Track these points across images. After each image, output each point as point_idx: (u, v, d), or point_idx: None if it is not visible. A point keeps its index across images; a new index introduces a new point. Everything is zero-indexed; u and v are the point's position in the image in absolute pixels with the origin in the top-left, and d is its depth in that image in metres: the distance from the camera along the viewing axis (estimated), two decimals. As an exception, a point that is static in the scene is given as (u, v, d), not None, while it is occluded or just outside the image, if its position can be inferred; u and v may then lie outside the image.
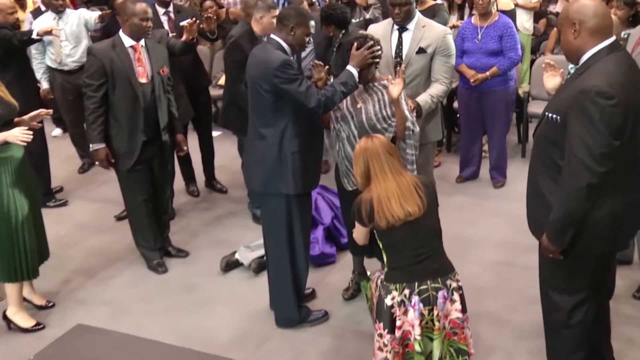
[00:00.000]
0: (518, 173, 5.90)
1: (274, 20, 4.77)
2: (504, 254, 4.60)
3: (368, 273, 4.17)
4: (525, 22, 7.55)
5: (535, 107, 6.27)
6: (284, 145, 3.50)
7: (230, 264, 4.59)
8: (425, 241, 3.03)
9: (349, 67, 3.49)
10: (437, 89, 4.08)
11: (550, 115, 2.83)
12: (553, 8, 9.03)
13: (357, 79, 3.49)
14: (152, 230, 4.62)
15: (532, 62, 7.11)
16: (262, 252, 4.51)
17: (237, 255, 4.61)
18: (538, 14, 8.23)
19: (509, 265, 4.45)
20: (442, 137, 4.91)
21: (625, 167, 2.73)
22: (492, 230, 4.94)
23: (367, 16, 5.83)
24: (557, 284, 3.01)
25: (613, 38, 2.70)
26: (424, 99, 4.00)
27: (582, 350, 3.07)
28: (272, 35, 3.55)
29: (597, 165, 2.61)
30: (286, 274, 3.74)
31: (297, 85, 3.36)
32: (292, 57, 3.52)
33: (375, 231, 3.13)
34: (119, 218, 5.44)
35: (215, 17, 5.89)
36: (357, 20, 5.81)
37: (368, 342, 3.42)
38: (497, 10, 5.63)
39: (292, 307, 3.83)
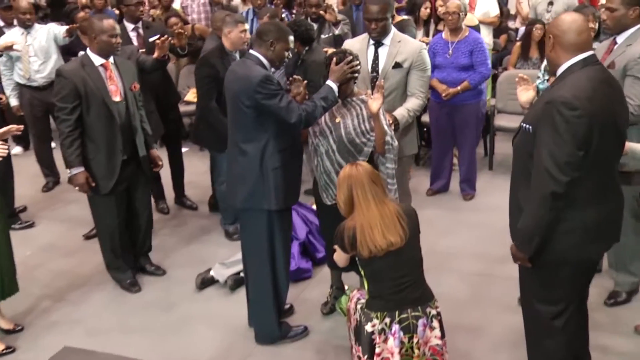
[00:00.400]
0: (486, 185, 6.01)
1: (242, 35, 4.81)
2: (480, 265, 4.66)
3: (346, 287, 4.20)
4: (485, 36, 7.68)
5: (502, 121, 6.40)
6: (265, 161, 3.49)
7: (206, 281, 4.53)
8: (407, 271, 3.06)
9: (329, 82, 3.51)
10: (413, 103, 4.12)
11: (524, 126, 2.91)
12: (512, 24, 9.25)
13: (337, 94, 3.51)
14: (125, 253, 4.53)
15: (494, 76, 7.26)
16: (238, 268, 4.50)
17: (212, 272, 4.55)
18: (499, 30, 8.42)
19: (485, 276, 4.50)
20: (418, 151, 4.95)
21: (598, 178, 2.79)
22: (465, 242, 5.00)
23: (337, 32, 5.88)
24: (537, 292, 3.05)
25: (589, 53, 2.77)
26: (400, 113, 4.04)
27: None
28: (251, 51, 3.55)
29: (562, 174, 2.68)
30: (267, 290, 3.71)
31: (278, 101, 3.36)
32: (272, 73, 3.52)
33: (357, 259, 3.15)
34: (87, 237, 5.34)
35: (185, 33, 5.90)
36: (327, 36, 5.86)
37: (349, 356, 3.41)
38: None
39: (273, 324, 3.80)
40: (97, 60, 4.19)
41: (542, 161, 2.72)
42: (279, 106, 3.36)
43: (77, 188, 4.25)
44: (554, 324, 3.04)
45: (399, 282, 3.04)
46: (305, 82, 3.73)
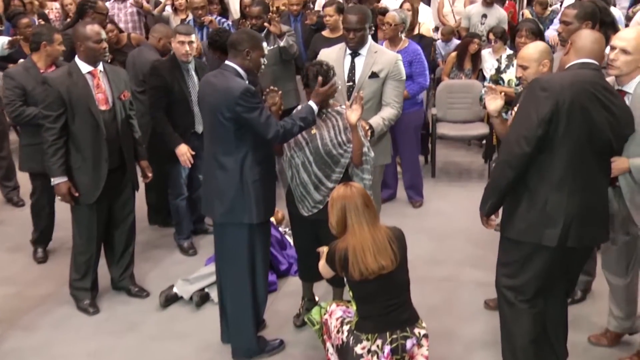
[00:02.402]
0: (431, 192, 6.18)
1: (179, 46, 4.71)
2: (444, 270, 4.78)
3: (316, 298, 4.20)
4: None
5: (442, 129, 6.61)
6: (245, 174, 3.45)
7: (170, 299, 4.41)
8: (396, 293, 3.13)
9: (311, 103, 3.54)
10: (388, 113, 4.18)
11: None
12: (435, 35, 9.56)
13: (316, 115, 3.55)
14: (95, 271, 4.36)
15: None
16: (202, 284, 4.43)
17: (175, 289, 4.44)
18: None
19: (451, 281, 4.62)
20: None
21: (567, 168, 2.98)
22: (423, 249, 5.10)
23: (282, 44, 5.86)
24: (503, 271, 3.29)
25: (591, 60, 3.02)
26: (376, 121, 4.09)
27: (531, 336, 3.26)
28: (227, 62, 3.50)
29: (517, 146, 2.95)
30: (246, 304, 3.66)
31: (258, 115, 3.34)
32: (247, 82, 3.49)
33: (347, 281, 3.18)
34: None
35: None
36: (272, 47, 5.83)
37: (328, 368, 3.43)
38: (417, 35, 5.89)
39: (251, 338, 3.74)
40: (85, 67, 4.05)
41: (509, 133, 3.07)
42: (259, 120, 3.34)
43: (59, 198, 4.08)
44: (519, 307, 3.22)
45: (388, 304, 3.11)
46: (281, 92, 3.73)
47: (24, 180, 5.03)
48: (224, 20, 6.64)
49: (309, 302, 4.17)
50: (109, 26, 6.51)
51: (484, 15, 7.89)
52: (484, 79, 7.15)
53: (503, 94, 3.68)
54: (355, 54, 4.22)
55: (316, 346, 3.86)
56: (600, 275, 3.99)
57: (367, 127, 3.93)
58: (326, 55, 4.23)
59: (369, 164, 3.71)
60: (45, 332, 4.15)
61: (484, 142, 7.22)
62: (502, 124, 3.78)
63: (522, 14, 7.79)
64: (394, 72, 4.20)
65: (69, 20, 8.35)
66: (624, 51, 3.21)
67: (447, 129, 6.61)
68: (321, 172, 3.65)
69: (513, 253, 3.19)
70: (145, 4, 8.15)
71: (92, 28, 4.05)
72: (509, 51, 7.06)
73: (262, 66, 3.57)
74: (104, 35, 4.10)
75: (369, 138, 3.81)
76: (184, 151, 4.71)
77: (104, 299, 4.49)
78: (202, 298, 4.38)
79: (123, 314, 4.33)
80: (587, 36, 3.07)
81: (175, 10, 7.84)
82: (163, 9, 8.05)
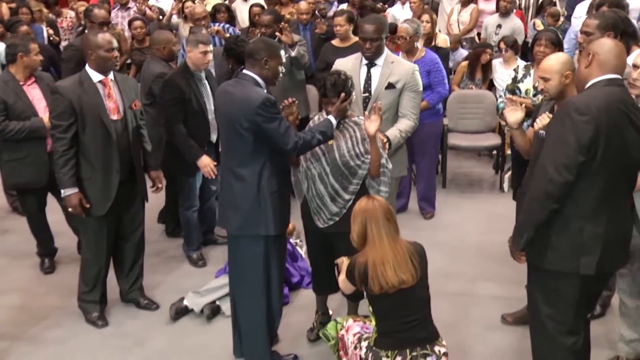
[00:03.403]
0: (442, 203, 6.09)
1: (202, 56, 4.66)
2: (457, 285, 4.68)
3: (330, 312, 4.12)
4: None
5: (454, 139, 6.53)
6: (262, 185, 3.37)
7: (180, 311, 4.32)
8: (416, 309, 3.06)
9: (331, 118, 3.49)
10: (405, 124, 4.11)
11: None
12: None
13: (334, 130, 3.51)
14: (104, 283, 4.28)
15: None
16: (213, 296, 4.36)
17: (186, 302, 4.35)
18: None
19: (465, 295, 4.53)
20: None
21: (603, 195, 2.86)
22: (436, 262, 4.88)
23: (293, 54, 5.79)
24: (543, 306, 3.09)
25: (616, 75, 2.88)
26: (393, 133, 4.01)
27: None
28: (245, 71, 3.43)
29: (557, 174, 2.77)
30: (260, 318, 3.57)
31: (277, 125, 3.27)
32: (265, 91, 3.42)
33: (366, 295, 3.11)
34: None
35: None
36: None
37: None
38: (433, 46, 5.83)
39: (265, 354, 3.65)
40: (96, 76, 3.97)
41: (543, 160, 2.85)
42: (278, 131, 3.27)
43: (70, 210, 3.99)
44: (564, 342, 3.07)
45: (408, 320, 3.04)
46: (297, 102, 3.67)
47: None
48: (231, 28, 6.57)
49: (323, 315, 4.09)
50: (137, 22, 6.54)
51: (499, 26, 7.88)
52: (494, 88, 7.11)
53: (524, 105, 3.60)
54: (371, 64, 4.16)
55: (331, 362, 3.79)
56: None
57: (384, 140, 3.86)
58: (342, 65, 4.15)
59: (386, 175, 3.64)
60: (52, 346, 4.07)
61: (494, 152, 7.16)
62: (522, 136, 3.70)
63: (534, 24, 7.74)
64: (410, 83, 4.13)
65: (80, 28, 8.33)
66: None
67: (458, 140, 6.54)
68: (338, 184, 3.57)
69: (549, 282, 3.04)
70: (148, 11, 8.12)
71: (103, 37, 3.98)
72: (520, 61, 7.04)
73: (280, 75, 3.51)
74: (115, 44, 4.03)
75: (386, 151, 3.74)
76: (206, 162, 4.65)
77: (113, 311, 4.41)
78: (213, 311, 4.29)
79: (132, 328, 4.24)
80: (610, 49, 2.91)
81: (185, 17, 7.79)
82: (170, 18, 8.01)
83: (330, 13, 8.26)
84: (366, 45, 4.05)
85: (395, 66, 4.13)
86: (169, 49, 5.28)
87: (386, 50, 4.18)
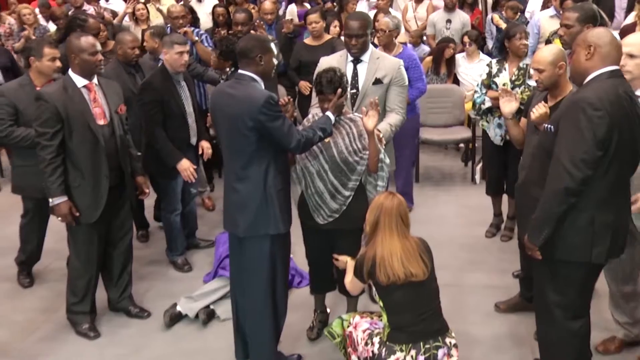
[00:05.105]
0: (418, 197, 6.16)
1: (178, 57, 4.60)
2: (446, 276, 4.66)
3: (328, 310, 4.13)
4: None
5: (427, 134, 6.62)
6: (268, 184, 3.35)
7: (174, 318, 4.25)
8: (428, 302, 3.11)
9: (329, 114, 3.50)
10: (394, 119, 4.14)
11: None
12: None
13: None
14: (94, 293, 4.17)
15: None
16: (207, 301, 4.32)
17: (179, 308, 4.28)
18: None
19: (456, 286, 4.59)
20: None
21: (612, 185, 2.94)
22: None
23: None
24: (550, 293, 3.16)
25: (617, 67, 2.95)
26: (384, 127, 4.02)
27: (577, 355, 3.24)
28: (240, 71, 3.39)
29: (576, 170, 2.82)
30: (267, 320, 3.54)
31: (281, 124, 3.25)
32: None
33: (376, 290, 3.15)
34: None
35: None
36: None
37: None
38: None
39: (271, 355, 3.62)
40: (80, 81, 3.85)
41: (559, 157, 2.87)
42: (282, 130, 3.26)
43: (59, 219, 3.86)
44: (571, 327, 3.15)
45: (419, 313, 3.08)
46: (291, 99, 3.67)
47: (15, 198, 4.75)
48: (202, 32, 6.47)
49: (322, 314, 4.10)
50: (102, 26, 6.33)
51: (449, 21, 7.98)
52: (458, 82, 7.25)
53: (519, 96, 3.69)
54: (357, 60, 4.17)
55: (335, 359, 3.78)
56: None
57: (380, 135, 3.89)
58: (327, 63, 4.13)
59: (384, 170, 3.67)
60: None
61: (461, 145, 7.30)
62: (515, 127, 3.79)
63: (492, 18, 7.90)
64: (397, 78, 4.17)
65: (26, 32, 8.05)
66: (631, 55, 3.24)
67: (430, 134, 6.64)
68: (337, 181, 3.58)
69: (559, 271, 3.10)
70: (106, 15, 7.94)
71: (86, 40, 3.87)
72: (483, 55, 7.20)
73: (275, 67, 3.49)
74: (99, 47, 3.93)
75: (383, 145, 3.77)
76: (186, 166, 4.59)
77: (103, 321, 4.30)
78: (208, 315, 4.24)
79: (126, 337, 4.15)
80: (611, 41, 2.94)
81: (136, 20, 7.65)
82: (122, 19, 7.85)
83: (280, 12, 8.24)
84: (352, 42, 4.06)
85: (381, 62, 4.16)
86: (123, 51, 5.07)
87: (371, 47, 4.21)
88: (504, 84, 4.79)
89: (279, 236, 3.46)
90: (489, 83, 4.98)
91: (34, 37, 7.64)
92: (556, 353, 3.23)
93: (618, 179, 2.96)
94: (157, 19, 7.83)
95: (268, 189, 3.35)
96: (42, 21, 8.62)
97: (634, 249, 3.50)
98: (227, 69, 5.41)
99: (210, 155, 4.99)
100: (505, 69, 4.92)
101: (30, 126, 4.07)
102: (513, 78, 4.84)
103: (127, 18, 7.82)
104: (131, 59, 5.04)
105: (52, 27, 8.13)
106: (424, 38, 8.33)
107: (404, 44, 6.83)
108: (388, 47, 5.47)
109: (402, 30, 7.44)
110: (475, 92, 5.13)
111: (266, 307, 3.53)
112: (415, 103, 5.74)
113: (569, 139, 2.85)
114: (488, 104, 4.96)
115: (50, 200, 3.83)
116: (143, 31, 6.67)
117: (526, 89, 4.71)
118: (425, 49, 7.88)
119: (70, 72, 3.89)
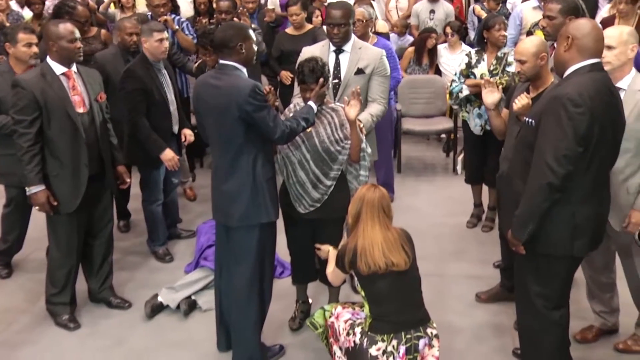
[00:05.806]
0: (400, 188, 6.18)
1: (159, 44, 4.56)
2: (428, 266, 4.67)
3: (310, 300, 4.14)
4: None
5: (408, 124, 6.63)
6: (257, 173, 3.35)
7: (155, 308, 4.23)
8: (409, 293, 3.12)
9: (311, 104, 3.49)
10: (376, 109, 4.13)
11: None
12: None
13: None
14: (74, 284, 4.13)
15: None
16: (189, 292, 4.31)
17: (160, 298, 4.26)
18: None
19: (438, 276, 4.61)
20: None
21: (593, 179, 2.96)
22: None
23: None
24: (532, 285, 3.18)
25: (597, 60, 2.94)
26: (365, 117, 4.02)
27: (560, 356, 3.28)
28: (222, 62, 3.36)
29: (559, 166, 2.83)
30: (252, 310, 3.53)
31: (267, 114, 3.24)
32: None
33: (358, 280, 3.15)
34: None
35: None
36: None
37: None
38: (374, 33, 5.86)
39: (255, 345, 3.61)
40: (58, 68, 3.79)
41: (542, 153, 2.88)
42: (268, 120, 3.24)
43: (37, 208, 3.82)
44: (552, 317, 3.18)
45: (401, 304, 3.08)
46: (272, 89, 3.65)
47: None
48: (183, 20, 6.41)
49: (304, 304, 4.10)
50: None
51: (432, 11, 7.99)
52: (440, 73, 7.26)
53: (501, 87, 3.71)
54: (339, 50, 4.15)
55: (317, 349, 3.80)
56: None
57: (361, 124, 3.88)
58: (310, 52, 4.11)
59: (366, 160, 3.68)
60: (29, 349, 3.91)
61: (443, 135, 7.32)
62: (497, 117, 3.80)
63: (474, 10, 7.91)
64: (379, 67, 4.16)
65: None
66: (609, 47, 3.25)
67: (412, 124, 6.65)
68: (319, 170, 3.58)
69: (541, 264, 3.12)
70: (90, 2, 7.82)
71: (65, 27, 3.81)
72: (465, 46, 7.21)
73: (256, 54, 3.46)
74: (77, 34, 3.87)
75: (364, 135, 3.76)
76: (170, 156, 4.56)
77: (83, 312, 4.27)
78: (189, 306, 4.23)
79: (107, 328, 4.12)
80: (589, 32, 2.91)
81: (122, 7, 7.55)
82: (108, 6, 7.75)
83: (262, 1, 8.18)
84: (334, 31, 4.04)
85: (363, 51, 4.15)
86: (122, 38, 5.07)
87: (353, 37, 4.19)
88: (482, 75, 4.81)
89: (268, 224, 3.46)
90: (467, 73, 4.99)
91: (7, 24, 7.51)
92: (537, 342, 3.26)
93: (599, 173, 2.98)
94: (142, 7, 7.74)
95: (258, 178, 3.35)
96: (14, 6, 8.47)
97: (609, 240, 3.54)
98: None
99: (192, 141, 4.98)
100: (483, 60, 4.94)
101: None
102: (491, 68, 4.85)
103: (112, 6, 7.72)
104: (129, 46, 4.99)
105: (27, 13, 7.99)
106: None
107: (387, 34, 6.84)
108: (363, 37, 5.44)
109: (381, 21, 7.45)
110: (453, 81, 5.13)
111: (253, 299, 3.52)
112: (391, 94, 5.74)
113: (550, 136, 2.86)
114: (466, 92, 4.97)
115: (28, 189, 3.79)
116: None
117: (505, 75, 4.73)
118: (410, 39, 7.89)
119: (48, 59, 3.83)
